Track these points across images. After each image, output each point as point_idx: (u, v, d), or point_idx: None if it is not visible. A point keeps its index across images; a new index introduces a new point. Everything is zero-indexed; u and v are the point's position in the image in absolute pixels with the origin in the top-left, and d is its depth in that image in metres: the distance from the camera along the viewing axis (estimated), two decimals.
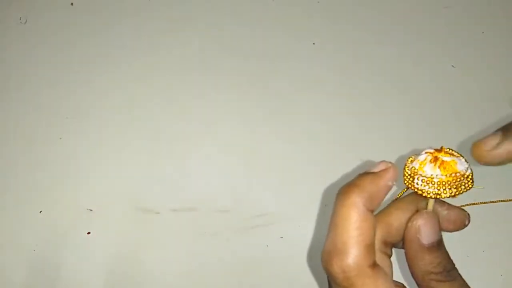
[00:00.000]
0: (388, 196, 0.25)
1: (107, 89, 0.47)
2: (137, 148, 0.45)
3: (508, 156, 0.23)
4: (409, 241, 0.24)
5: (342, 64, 0.49)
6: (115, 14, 0.50)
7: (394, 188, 0.25)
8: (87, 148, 0.44)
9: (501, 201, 0.44)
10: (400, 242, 0.26)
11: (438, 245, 0.24)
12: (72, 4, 0.50)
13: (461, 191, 0.24)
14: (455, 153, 0.25)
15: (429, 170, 0.24)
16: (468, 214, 0.26)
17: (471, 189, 0.24)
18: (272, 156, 0.45)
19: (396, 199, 0.27)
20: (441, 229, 0.26)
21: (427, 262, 0.24)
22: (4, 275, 0.40)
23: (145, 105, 0.46)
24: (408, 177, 0.25)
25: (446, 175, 0.24)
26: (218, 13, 0.51)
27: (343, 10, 0.52)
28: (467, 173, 0.24)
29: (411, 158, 0.26)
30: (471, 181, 0.24)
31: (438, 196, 0.24)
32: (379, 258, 0.25)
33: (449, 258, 0.25)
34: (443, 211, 0.26)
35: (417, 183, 0.25)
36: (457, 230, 0.26)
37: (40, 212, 0.42)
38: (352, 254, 0.22)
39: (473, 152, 0.24)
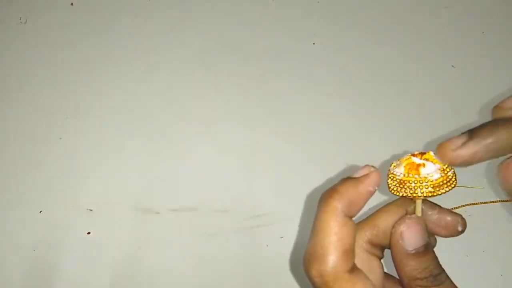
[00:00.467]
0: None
1: (107, 89, 0.47)
2: (137, 148, 0.45)
3: (471, 158, 0.23)
4: (393, 247, 0.24)
5: (342, 64, 0.49)
6: (115, 14, 0.50)
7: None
8: (87, 148, 0.44)
9: (501, 201, 0.44)
10: (388, 244, 0.26)
11: (424, 251, 0.24)
12: (72, 4, 0.50)
13: (414, 194, 0.24)
14: (435, 159, 0.25)
15: (400, 171, 0.25)
16: (462, 219, 0.25)
17: (452, 189, 0.24)
18: (272, 156, 0.45)
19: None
20: (433, 233, 0.25)
21: (412, 268, 0.24)
22: (4, 275, 0.40)
23: (145, 105, 0.46)
24: (387, 179, 0.26)
25: (410, 175, 0.24)
26: (218, 13, 0.51)
27: (343, 10, 0.52)
28: (430, 178, 0.24)
29: (393, 164, 0.26)
30: (441, 183, 0.24)
31: (413, 196, 0.24)
32: (366, 259, 0.25)
33: (437, 262, 0.24)
34: (433, 215, 0.25)
35: (390, 184, 0.25)
36: (451, 235, 0.25)
37: (40, 212, 0.42)
38: (330, 260, 0.22)
39: (437, 151, 0.24)
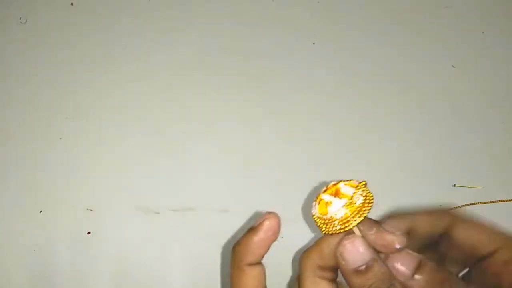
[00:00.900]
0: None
1: (107, 89, 0.47)
2: (137, 148, 0.45)
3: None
4: (339, 267, 0.25)
5: (342, 64, 0.50)
6: (115, 14, 0.50)
7: None
8: (87, 148, 0.44)
9: (501, 201, 0.44)
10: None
11: (366, 268, 0.24)
12: (72, 4, 0.50)
13: (328, 231, 0.25)
14: (343, 192, 0.26)
15: (315, 211, 0.26)
16: (400, 237, 0.25)
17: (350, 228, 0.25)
18: (272, 156, 0.45)
19: None
20: (376, 250, 0.25)
21: (358, 285, 0.24)
22: (4, 275, 0.40)
23: (145, 105, 0.46)
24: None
25: (320, 216, 0.26)
26: (218, 13, 0.51)
27: (343, 10, 0.52)
28: (335, 217, 0.25)
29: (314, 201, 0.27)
30: (338, 222, 0.25)
31: (329, 233, 0.25)
32: (315, 284, 0.26)
33: (385, 276, 0.24)
34: (370, 236, 0.25)
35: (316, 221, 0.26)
36: (391, 253, 0.25)
37: (40, 212, 0.42)
38: None
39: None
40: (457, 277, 0.26)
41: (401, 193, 0.44)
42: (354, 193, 0.25)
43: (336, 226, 0.25)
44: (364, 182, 0.26)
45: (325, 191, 0.26)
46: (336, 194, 0.26)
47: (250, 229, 0.27)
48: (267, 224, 0.26)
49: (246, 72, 0.48)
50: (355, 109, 0.48)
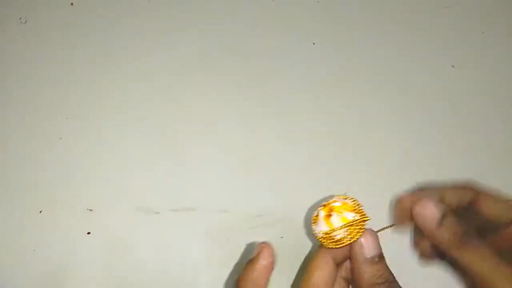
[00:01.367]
0: None
1: (107, 89, 0.47)
2: (137, 148, 0.45)
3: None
4: (354, 256, 0.28)
5: (342, 64, 0.50)
6: (115, 14, 0.50)
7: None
8: (87, 148, 0.44)
9: None
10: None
11: (379, 259, 0.28)
12: (72, 4, 0.50)
13: (329, 246, 0.29)
14: (340, 210, 0.29)
15: (314, 225, 0.30)
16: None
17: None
18: (272, 156, 0.45)
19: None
20: None
21: (371, 274, 0.27)
22: (4, 275, 0.40)
23: (145, 105, 0.46)
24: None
25: (320, 231, 0.30)
26: (218, 13, 0.51)
27: (343, 10, 0.52)
28: (337, 235, 0.29)
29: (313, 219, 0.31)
30: (326, 240, 0.29)
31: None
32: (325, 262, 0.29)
33: (390, 271, 0.28)
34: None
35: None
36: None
37: (40, 212, 0.42)
38: None
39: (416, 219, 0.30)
40: (476, 232, 0.29)
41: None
42: (352, 212, 0.29)
43: (338, 242, 0.28)
44: (357, 202, 0.30)
45: (323, 207, 0.30)
46: (331, 212, 0.29)
47: (249, 261, 0.29)
48: (266, 251, 0.29)
49: (246, 72, 0.48)
50: (355, 109, 0.48)
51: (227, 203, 0.43)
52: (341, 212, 0.29)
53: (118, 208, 0.42)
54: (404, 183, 0.43)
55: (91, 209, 0.42)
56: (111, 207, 0.42)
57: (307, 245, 0.42)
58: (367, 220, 0.29)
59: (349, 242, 0.28)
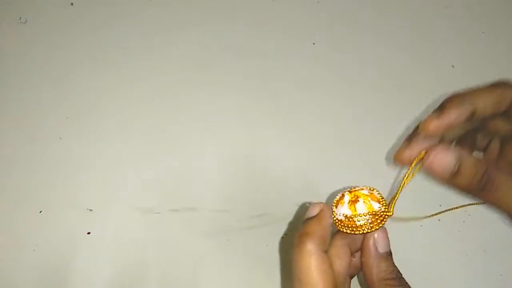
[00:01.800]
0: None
1: (107, 89, 0.47)
2: (137, 148, 0.45)
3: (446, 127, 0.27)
4: (367, 250, 0.28)
5: (342, 64, 0.50)
6: (115, 14, 0.50)
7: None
8: (87, 148, 0.44)
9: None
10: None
11: (390, 255, 0.28)
12: (72, 4, 0.50)
13: (348, 231, 0.29)
14: (366, 199, 0.29)
15: (336, 208, 0.30)
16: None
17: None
18: (272, 155, 0.45)
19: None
20: None
21: (383, 269, 0.28)
22: (4, 275, 0.40)
23: (145, 105, 0.46)
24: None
25: (342, 216, 0.29)
26: (218, 13, 0.51)
27: (343, 10, 0.52)
28: (359, 222, 0.28)
29: (334, 203, 0.31)
30: (342, 226, 0.29)
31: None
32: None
33: (397, 268, 0.28)
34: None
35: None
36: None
37: (40, 212, 0.42)
38: None
39: (422, 129, 0.28)
40: (497, 165, 0.28)
41: (402, 193, 0.44)
42: (379, 203, 0.29)
43: (356, 228, 0.28)
44: (382, 195, 0.30)
45: (348, 192, 0.30)
46: (357, 199, 0.29)
47: (312, 219, 0.28)
48: (327, 211, 0.29)
49: (246, 71, 0.48)
50: (355, 109, 0.48)
51: (227, 203, 0.43)
52: (368, 200, 0.29)
53: (118, 208, 0.42)
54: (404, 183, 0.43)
55: (91, 209, 0.42)
56: (111, 207, 0.42)
57: None
58: (390, 215, 0.28)
59: (367, 231, 0.28)
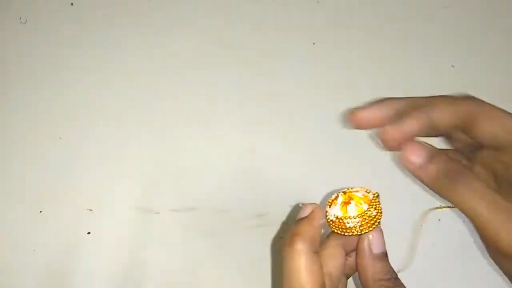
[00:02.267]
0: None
1: (107, 89, 0.47)
2: (137, 148, 0.45)
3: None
4: (361, 251, 0.28)
5: (342, 64, 0.49)
6: (115, 14, 0.50)
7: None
8: (87, 148, 0.44)
9: None
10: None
11: (386, 256, 0.28)
12: (72, 4, 0.50)
13: (340, 232, 0.29)
14: (359, 201, 0.29)
15: (328, 209, 0.30)
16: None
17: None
18: (272, 155, 0.45)
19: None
20: None
21: (378, 270, 0.27)
22: (4, 275, 0.40)
23: (145, 105, 0.46)
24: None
25: (334, 217, 0.29)
26: (218, 13, 0.51)
27: (343, 10, 0.52)
28: (350, 223, 0.28)
29: (327, 205, 0.30)
30: (336, 227, 0.29)
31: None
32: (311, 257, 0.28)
33: (393, 268, 0.28)
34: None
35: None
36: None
37: (40, 212, 0.42)
38: None
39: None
40: (467, 167, 0.27)
41: (402, 193, 0.44)
42: (369, 206, 0.28)
43: (346, 230, 0.28)
44: (377, 194, 0.29)
45: (343, 194, 0.29)
46: (350, 200, 0.29)
47: (303, 220, 0.28)
48: (320, 211, 0.29)
49: (246, 71, 0.48)
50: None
51: (227, 203, 0.43)
52: (360, 203, 0.28)
53: (118, 208, 0.42)
54: (405, 183, 0.43)
55: (91, 209, 0.42)
56: (111, 207, 0.42)
57: None
58: (380, 218, 0.28)
59: (357, 233, 0.28)
